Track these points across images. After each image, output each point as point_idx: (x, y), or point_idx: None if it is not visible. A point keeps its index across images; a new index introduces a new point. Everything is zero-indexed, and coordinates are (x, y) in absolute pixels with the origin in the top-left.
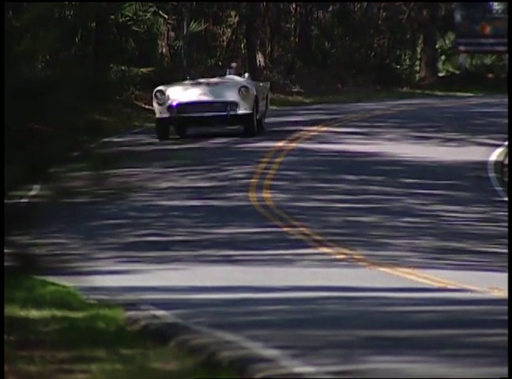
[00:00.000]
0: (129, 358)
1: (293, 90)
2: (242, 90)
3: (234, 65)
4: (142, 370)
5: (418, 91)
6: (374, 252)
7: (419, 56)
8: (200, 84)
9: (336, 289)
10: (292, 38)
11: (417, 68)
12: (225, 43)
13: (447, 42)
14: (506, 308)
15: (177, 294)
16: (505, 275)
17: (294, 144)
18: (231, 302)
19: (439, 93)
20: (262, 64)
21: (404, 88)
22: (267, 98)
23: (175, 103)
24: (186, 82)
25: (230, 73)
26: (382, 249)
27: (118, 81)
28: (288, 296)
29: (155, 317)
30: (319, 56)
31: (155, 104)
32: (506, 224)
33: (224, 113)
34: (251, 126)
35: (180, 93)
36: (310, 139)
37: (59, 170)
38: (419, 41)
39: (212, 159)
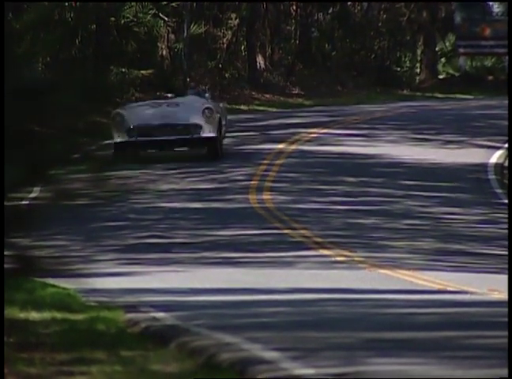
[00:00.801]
0: (129, 360)
1: (293, 92)
2: (206, 112)
3: (193, 84)
4: (142, 372)
5: (418, 93)
6: (375, 254)
7: (419, 58)
8: (161, 105)
9: (336, 291)
10: (292, 40)
11: (417, 70)
12: (225, 45)
13: (447, 44)
14: (505, 310)
15: (177, 296)
16: (505, 277)
17: (294, 147)
18: (232, 303)
19: (439, 95)
20: (262, 66)
21: (405, 90)
22: (226, 119)
23: (134, 126)
24: (147, 103)
25: (190, 93)
26: (382, 251)
27: (118, 83)
28: (289, 298)
29: (155, 319)
30: (319, 58)
31: (113, 127)
32: (506, 226)
33: (188, 136)
34: (216, 150)
35: (140, 115)
36: (311, 141)
37: (59, 172)
38: (420, 43)
39: (212, 161)
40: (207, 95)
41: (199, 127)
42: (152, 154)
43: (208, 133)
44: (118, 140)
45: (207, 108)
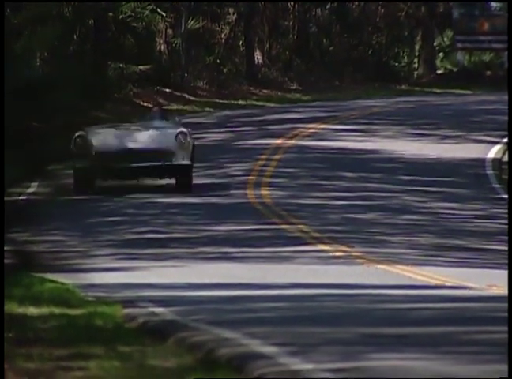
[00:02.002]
0: (127, 356)
1: (291, 87)
2: (180, 137)
3: (156, 108)
4: (140, 367)
5: (416, 88)
6: (373, 249)
7: (417, 53)
8: (128, 128)
9: (334, 286)
10: (290, 35)
11: (415, 65)
12: (223, 40)
13: (445, 39)
14: (504, 305)
15: (175, 291)
16: (503, 272)
17: (292, 142)
18: (230, 299)
19: (437, 90)
20: (260, 61)
21: (403, 86)
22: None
23: (98, 151)
24: (112, 126)
25: (153, 118)
26: (381, 247)
27: (116, 79)
28: (287, 293)
29: (153, 314)
30: (317, 53)
31: (74, 152)
32: (505, 221)
33: (158, 163)
34: (188, 180)
35: (105, 139)
36: (309, 136)
37: (57, 168)
38: (418, 38)
39: (210, 157)
40: (176, 119)
41: (171, 153)
42: (115, 184)
43: (181, 160)
44: (79, 166)
45: (181, 133)
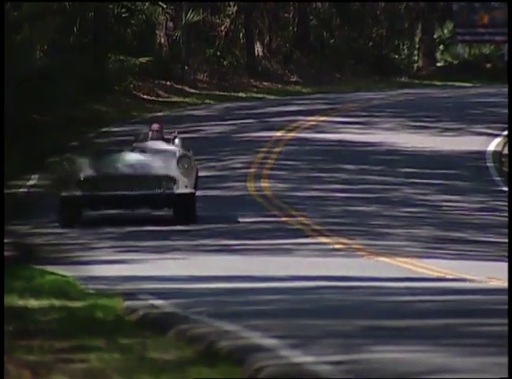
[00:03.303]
0: (127, 348)
1: (291, 80)
2: (183, 161)
3: (156, 126)
4: (141, 360)
5: (416, 81)
6: (373, 241)
7: (417, 46)
8: (122, 151)
9: (334, 278)
10: (291, 28)
11: (415, 58)
12: (224, 32)
13: (445, 31)
14: (504, 297)
15: (176, 283)
16: (503, 265)
17: (292, 134)
18: (230, 291)
19: (438, 83)
20: (261, 54)
21: (403, 78)
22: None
23: (87, 177)
24: (104, 149)
25: (153, 138)
26: (381, 239)
27: (116, 71)
28: (287, 286)
29: (153, 306)
30: (318, 46)
31: (59, 176)
32: (505, 214)
33: (158, 191)
34: (191, 210)
35: (95, 163)
36: (309, 129)
37: (58, 160)
38: (418, 31)
39: (211, 149)
40: (177, 141)
41: (172, 180)
42: (106, 215)
43: (183, 188)
44: (66, 194)
45: (184, 156)
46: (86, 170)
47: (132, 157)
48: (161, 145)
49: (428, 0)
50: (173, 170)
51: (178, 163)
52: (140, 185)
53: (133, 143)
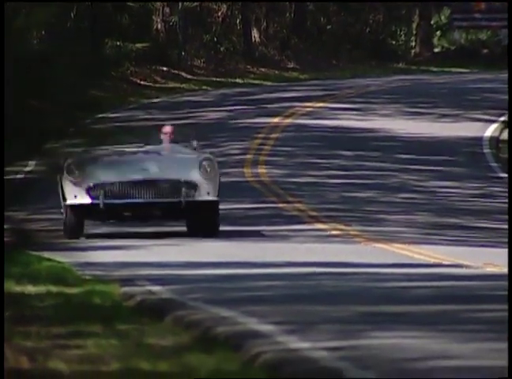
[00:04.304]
0: (124, 334)
1: (288, 66)
2: (206, 164)
3: (168, 128)
4: (138, 346)
5: (413, 66)
6: (370, 227)
7: (414, 32)
8: (135, 153)
9: (331, 264)
10: (288, 14)
11: (412, 43)
12: (220, 18)
13: (442, 17)
14: (500, 283)
15: (173, 269)
16: (500, 251)
17: (289, 120)
18: (227, 277)
19: (434, 69)
20: (258, 40)
21: (400, 64)
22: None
23: (98, 183)
24: (113, 151)
25: (166, 141)
26: (378, 225)
27: (113, 57)
28: (284, 272)
29: (151, 292)
30: (315, 32)
31: (67, 184)
32: (501, 200)
33: (177, 199)
34: (213, 221)
35: (105, 168)
36: (306, 115)
37: (55, 146)
38: (415, 16)
39: (208, 135)
40: (194, 143)
41: (193, 186)
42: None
43: (206, 195)
44: (74, 202)
45: (206, 159)
46: (95, 176)
47: (146, 161)
48: (177, 148)
49: None
50: (194, 174)
51: (199, 167)
52: (154, 193)
53: (145, 146)
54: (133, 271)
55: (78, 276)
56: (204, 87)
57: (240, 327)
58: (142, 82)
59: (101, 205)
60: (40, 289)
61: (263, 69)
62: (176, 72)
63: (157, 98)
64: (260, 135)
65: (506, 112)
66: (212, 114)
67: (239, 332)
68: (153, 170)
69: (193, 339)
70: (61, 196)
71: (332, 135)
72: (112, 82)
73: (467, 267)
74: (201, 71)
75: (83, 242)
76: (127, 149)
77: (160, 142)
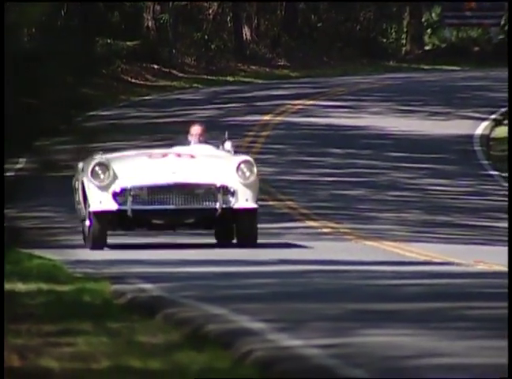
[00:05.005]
0: (115, 332)
1: (279, 64)
2: (244, 167)
3: (198, 129)
4: (129, 344)
5: (404, 64)
6: (361, 225)
7: (405, 29)
8: (166, 155)
9: (322, 262)
10: (279, 11)
11: (403, 41)
12: (211, 16)
13: (433, 15)
14: (491, 281)
15: (164, 267)
16: (490, 249)
17: (280, 118)
18: (218, 275)
19: (425, 66)
20: (248, 38)
21: (391, 62)
22: None
23: (126, 188)
24: (141, 152)
25: (196, 142)
26: (369, 223)
27: (104, 55)
28: (275, 269)
29: (141, 290)
30: (305, 30)
31: (91, 187)
32: (492, 197)
33: (213, 206)
34: (252, 231)
35: (135, 170)
36: (297, 113)
37: (45, 144)
38: (405, 14)
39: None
40: (228, 144)
41: (230, 192)
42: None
43: (244, 202)
44: (99, 208)
45: (245, 162)
46: (125, 177)
47: (178, 163)
48: (210, 150)
49: None
50: (231, 179)
51: (237, 171)
52: (187, 199)
53: (174, 147)
54: (123, 268)
55: (69, 274)
56: (194, 85)
57: (231, 324)
58: (133, 80)
59: (129, 212)
60: (31, 287)
61: (254, 67)
62: (167, 70)
63: (148, 96)
64: (251, 133)
65: (497, 110)
66: (203, 112)
67: (230, 329)
68: (186, 173)
69: (183, 336)
70: (79, 201)
71: (323, 133)
72: (103, 80)
73: (458, 264)
74: (191, 69)
75: (74, 239)
76: (156, 151)
77: (189, 143)
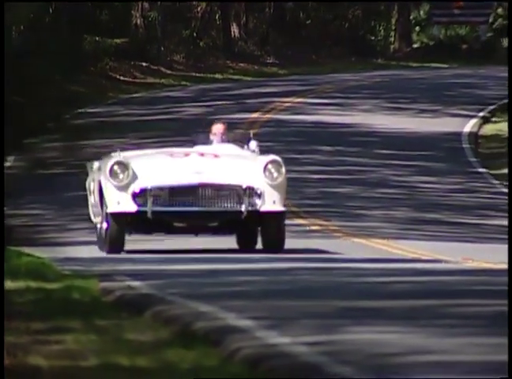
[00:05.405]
0: (104, 329)
1: (268, 61)
2: (271, 168)
3: (220, 127)
4: (117, 341)
5: (392, 62)
6: (349, 223)
7: (393, 27)
8: (188, 154)
9: (311, 260)
10: (267, 9)
11: (391, 39)
12: (200, 14)
13: (421, 13)
14: (479, 278)
15: (152, 264)
16: (478, 246)
17: (269, 116)
18: (206, 272)
19: (414, 64)
20: (237, 35)
21: (379, 60)
22: None
23: (146, 188)
24: (161, 151)
25: (218, 141)
26: (357, 220)
27: (92, 52)
28: (263, 267)
29: (130, 287)
30: (294, 27)
31: (108, 187)
32: (480, 195)
33: (238, 208)
34: (279, 236)
35: (155, 169)
36: (285, 110)
37: (34, 141)
38: (394, 12)
39: (187, 130)
40: (253, 143)
41: (256, 193)
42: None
43: (271, 204)
44: (117, 209)
45: (273, 162)
46: (145, 177)
47: (201, 163)
48: (234, 150)
49: None
50: (257, 180)
51: (264, 171)
52: (212, 200)
53: (194, 146)
54: (112, 266)
55: (57, 272)
56: (183, 82)
57: (219, 322)
58: (121, 77)
59: (149, 214)
60: (20, 284)
61: (242, 65)
62: (155, 67)
63: (136, 93)
64: (239, 130)
65: (485, 107)
66: (192, 110)
67: (219, 327)
68: (210, 174)
69: (172, 334)
70: (95, 202)
71: (311, 130)
72: (91, 77)
73: (446, 262)
74: (180, 66)
75: (62, 237)
76: (178, 149)
77: (211, 142)
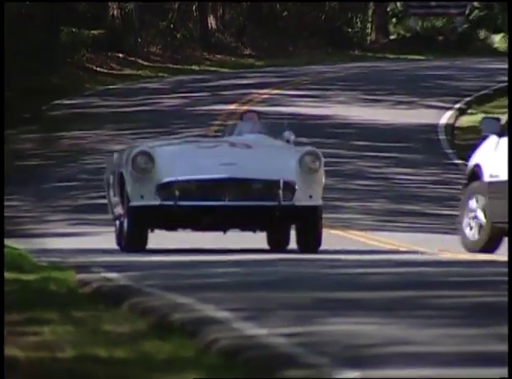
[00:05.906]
0: (81, 321)
1: (244, 53)
2: (308, 160)
3: (251, 115)
4: (94, 333)
5: (369, 54)
6: (326, 214)
7: (370, 19)
8: (218, 145)
9: (288, 251)
10: (244, 1)
11: (368, 31)
12: (176, 5)
13: (398, 5)
14: (455, 269)
15: (129, 256)
16: (455, 237)
17: (246, 107)
18: (184, 264)
19: (390, 56)
20: (214, 27)
21: (356, 51)
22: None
23: (172, 181)
24: (190, 140)
25: (248, 131)
26: (334, 212)
27: (69, 43)
28: (240, 258)
29: (107, 279)
30: (271, 19)
31: (131, 180)
32: (457, 186)
33: (272, 203)
34: (316, 233)
35: (182, 161)
36: (262, 102)
37: (11, 133)
38: (370, 4)
39: (164, 122)
40: (287, 133)
41: (291, 188)
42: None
43: (307, 199)
44: (140, 203)
45: (309, 153)
46: (171, 169)
47: (234, 152)
48: (267, 140)
49: None
50: (293, 172)
51: (300, 163)
52: (242, 195)
53: (223, 137)
54: (89, 257)
55: (34, 263)
56: (160, 74)
57: (196, 313)
58: (98, 69)
59: (174, 209)
60: None
61: (219, 56)
62: (132, 58)
63: (113, 85)
64: (217, 122)
65: (461, 99)
66: (169, 101)
67: (195, 318)
68: (242, 166)
69: (149, 325)
70: (115, 195)
71: (288, 122)
72: (68, 69)
73: (422, 253)
74: (157, 58)
75: (39, 228)
76: (206, 139)
77: (242, 132)
